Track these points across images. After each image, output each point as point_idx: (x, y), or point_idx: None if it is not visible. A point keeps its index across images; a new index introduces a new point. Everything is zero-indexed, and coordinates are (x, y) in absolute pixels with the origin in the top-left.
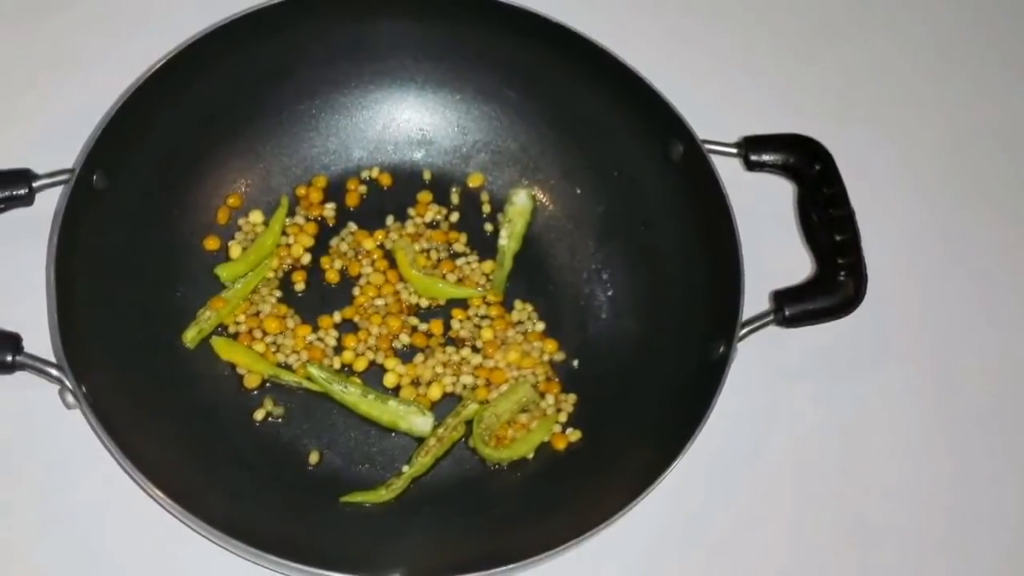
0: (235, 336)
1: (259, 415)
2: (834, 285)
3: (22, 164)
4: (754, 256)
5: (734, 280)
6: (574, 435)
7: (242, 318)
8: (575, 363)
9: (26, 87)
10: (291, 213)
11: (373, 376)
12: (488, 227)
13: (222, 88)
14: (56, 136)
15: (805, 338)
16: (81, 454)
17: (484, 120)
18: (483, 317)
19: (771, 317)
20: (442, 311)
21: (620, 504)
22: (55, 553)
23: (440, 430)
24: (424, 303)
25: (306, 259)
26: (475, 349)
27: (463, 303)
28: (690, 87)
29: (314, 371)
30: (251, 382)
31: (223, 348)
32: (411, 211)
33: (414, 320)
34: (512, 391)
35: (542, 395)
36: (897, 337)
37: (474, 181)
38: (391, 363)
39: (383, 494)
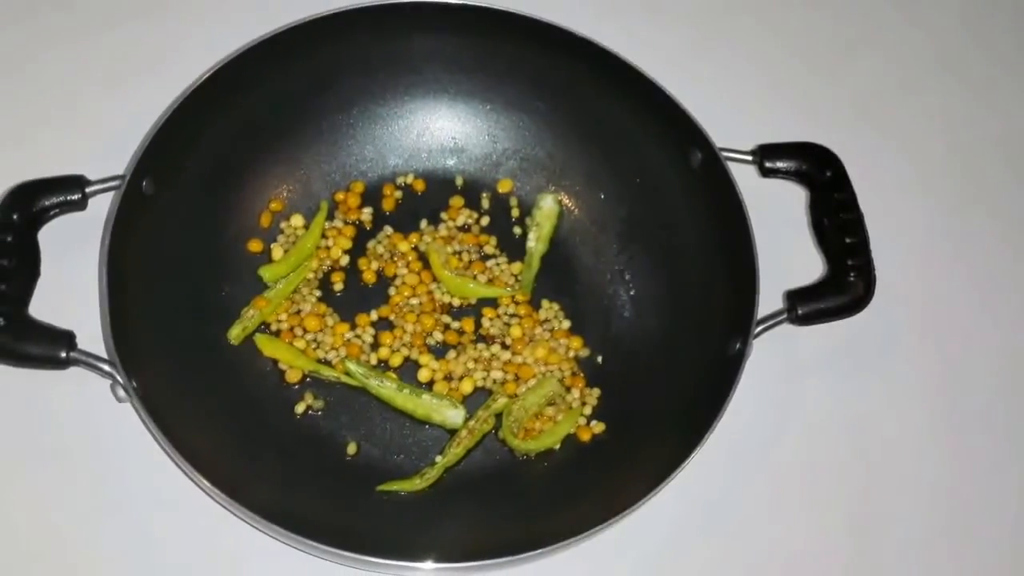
0: (277, 333)
1: (300, 408)
2: (844, 285)
3: (76, 171)
4: (769, 258)
5: (750, 280)
6: (598, 427)
7: (284, 316)
8: (599, 359)
9: (80, 99)
10: (330, 217)
11: (408, 371)
12: (517, 230)
13: (265, 99)
14: (108, 144)
15: (817, 335)
16: (132, 446)
17: (513, 129)
18: (512, 315)
19: (785, 315)
20: (473, 310)
21: (642, 492)
22: (107, 540)
23: (471, 422)
24: (456, 302)
25: (344, 260)
26: (504, 346)
27: (493, 302)
28: (708, 98)
29: (352, 366)
30: (292, 377)
31: (266, 345)
32: (444, 215)
33: (447, 318)
34: (539, 385)
35: (568, 389)
36: (904, 334)
37: (504, 187)
38: (425, 359)
39: (417, 483)
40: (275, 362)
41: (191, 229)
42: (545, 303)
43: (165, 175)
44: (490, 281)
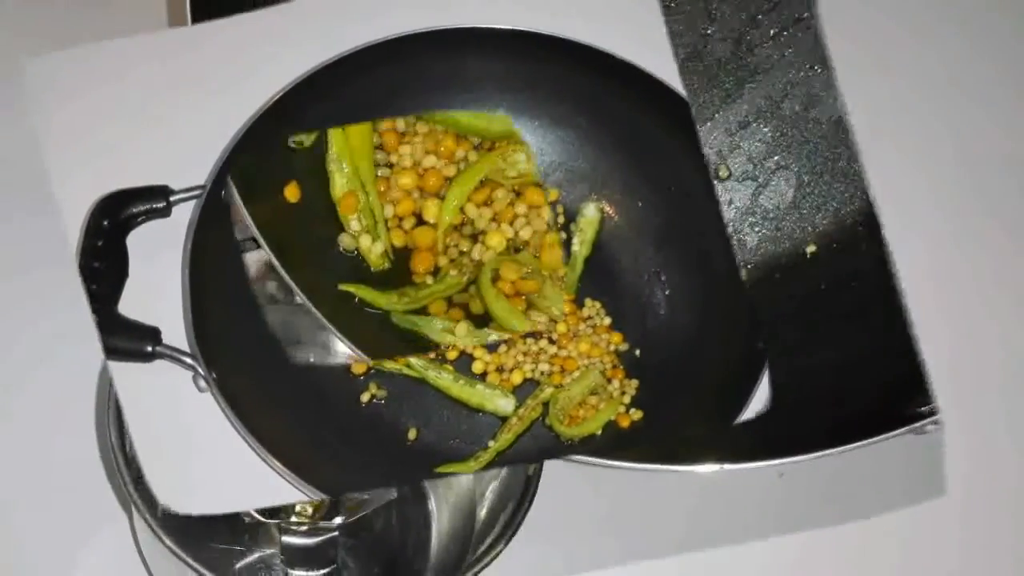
0: None
1: (365, 397)
2: None
3: (161, 181)
4: None
5: None
6: (636, 415)
7: None
8: (637, 352)
9: (165, 114)
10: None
11: (463, 364)
12: (562, 235)
13: (334, 114)
14: (190, 156)
15: None
16: (210, 431)
17: (558, 143)
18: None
19: None
20: None
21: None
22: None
23: (521, 410)
24: None
25: None
26: (551, 340)
27: None
28: None
29: (412, 359)
30: (358, 369)
31: None
32: None
33: None
34: (583, 377)
35: (609, 380)
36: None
37: (550, 195)
38: (478, 353)
39: (471, 465)
40: None
41: None
42: (588, 301)
43: None
44: None
